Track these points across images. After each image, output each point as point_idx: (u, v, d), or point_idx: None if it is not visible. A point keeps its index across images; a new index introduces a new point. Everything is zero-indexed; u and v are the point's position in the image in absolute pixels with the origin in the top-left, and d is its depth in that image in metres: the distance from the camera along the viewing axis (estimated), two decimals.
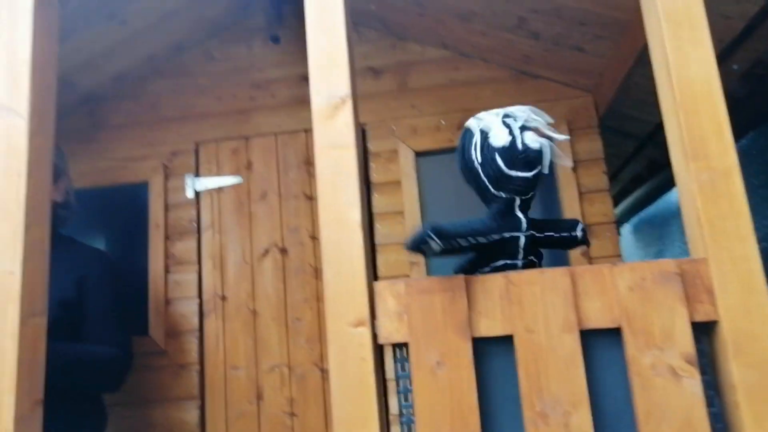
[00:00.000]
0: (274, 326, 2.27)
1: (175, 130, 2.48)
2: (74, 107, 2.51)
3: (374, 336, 1.17)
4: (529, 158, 1.25)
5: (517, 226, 1.25)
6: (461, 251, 1.26)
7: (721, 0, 1.65)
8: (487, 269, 1.27)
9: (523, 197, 1.26)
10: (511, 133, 1.27)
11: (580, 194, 2.24)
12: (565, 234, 1.32)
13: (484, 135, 1.28)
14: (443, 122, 2.37)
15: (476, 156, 1.28)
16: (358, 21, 2.50)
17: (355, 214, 1.21)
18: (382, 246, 2.29)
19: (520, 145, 1.24)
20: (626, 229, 4.56)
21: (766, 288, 1.11)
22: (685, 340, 1.11)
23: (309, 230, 2.32)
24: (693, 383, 1.09)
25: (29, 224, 1.30)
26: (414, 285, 1.18)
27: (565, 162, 1.35)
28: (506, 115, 1.29)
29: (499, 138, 1.26)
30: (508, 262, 1.26)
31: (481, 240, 1.22)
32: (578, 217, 2.21)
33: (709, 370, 1.14)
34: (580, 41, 2.03)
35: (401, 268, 2.24)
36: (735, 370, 1.08)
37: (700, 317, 1.13)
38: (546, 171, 1.28)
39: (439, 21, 2.26)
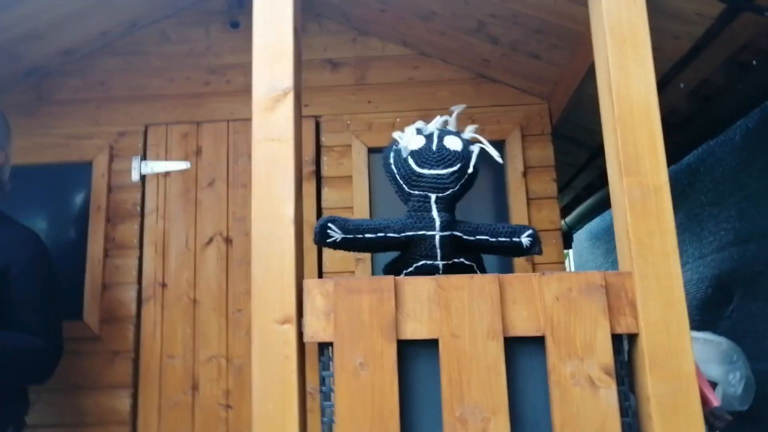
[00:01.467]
0: (214, 316, 2.23)
1: (124, 111, 2.41)
2: (18, 80, 2.41)
3: (300, 334, 1.16)
4: (443, 157, 1.28)
5: (431, 225, 1.25)
6: (372, 245, 1.27)
7: (671, 20, 1.68)
8: (410, 269, 1.27)
9: (440, 194, 1.27)
10: (427, 138, 1.31)
11: (529, 200, 2.26)
12: (504, 240, 1.31)
13: (401, 144, 1.32)
14: (398, 120, 2.36)
15: (392, 161, 1.32)
16: (320, 13, 2.47)
17: (289, 210, 1.19)
18: None
19: (434, 147, 1.28)
20: (583, 235, 4.65)
21: (685, 304, 1.14)
22: (605, 352, 1.13)
23: None
24: (609, 393, 1.11)
25: None
26: (343, 284, 1.17)
27: (496, 158, 1.36)
28: (426, 127, 1.34)
29: (413, 142, 1.30)
30: (428, 262, 1.26)
31: (393, 236, 1.24)
32: (525, 222, 2.23)
33: (627, 381, 1.17)
34: (536, 49, 2.05)
35: (347, 265, 2.23)
36: (650, 383, 1.11)
37: (621, 329, 1.15)
38: (470, 170, 1.29)
39: (400, 18, 2.25)
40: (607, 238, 3.92)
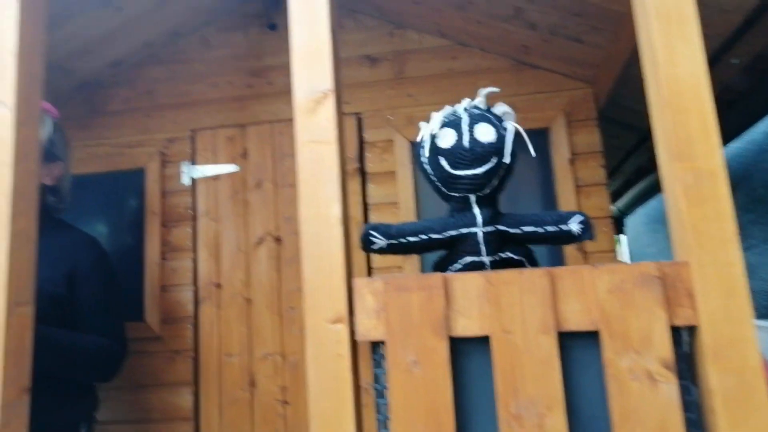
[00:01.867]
0: (267, 314, 2.29)
1: (171, 117, 2.48)
2: (71, 93, 2.51)
3: (352, 333, 1.17)
4: (476, 155, 1.23)
5: (472, 222, 1.24)
6: (417, 248, 1.27)
7: None
8: (457, 266, 1.27)
9: (478, 194, 1.24)
10: (458, 131, 1.25)
11: (577, 188, 2.21)
12: (551, 228, 1.27)
13: (432, 138, 1.28)
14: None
15: (426, 160, 1.29)
16: (355, 8, 2.47)
17: (336, 210, 1.21)
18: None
19: (466, 143, 1.23)
20: (639, 219, 4.50)
21: (747, 292, 1.10)
22: (663, 345, 1.10)
23: None
24: (669, 388, 1.09)
25: (15, 214, 1.31)
26: (392, 283, 1.18)
27: (530, 150, 1.31)
28: (454, 113, 1.28)
29: (445, 140, 1.26)
30: (474, 259, 1.25)
31: (435, 237, 1.23)
32: (574, 209, 2.18)
33: (688, 374, 1.14)
34: (577, 32, 2.00)
35: (394, 260, 2.24)
36: (713, 376, 1.07)
37: (680, 321, 1.12)
38: (506, 159, 1.24)
39: (435, 9, 2.23)
40: (665, 221, 3.79)
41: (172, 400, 2.26)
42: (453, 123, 1.27)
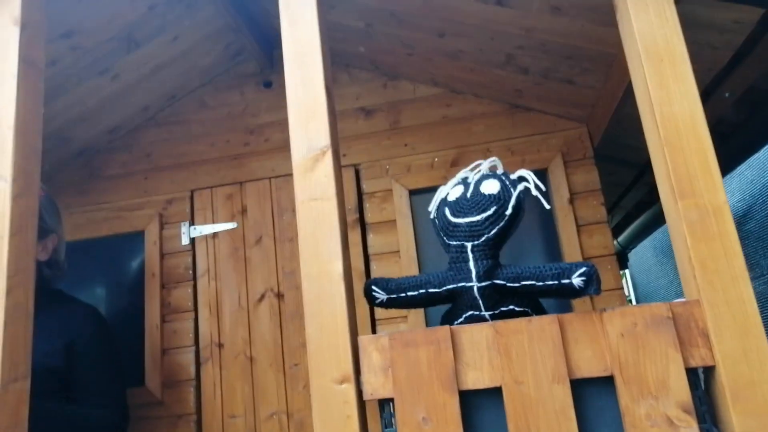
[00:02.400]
0: (271, 372, 2.24)
1: (170, 178, 2.49)
2: (69, 160, 2.53)
3: (359, 392, 1.14)
4: (476, 203, 1.25)
5: (467, 276, 1.22)
6: (417, 302, 1.27)
7: (707, 30, 1.63)
8: (460, 320, 1.25)
9: (475, 242, 1.23)
10: (466, 186, 1.31)
11: (578, 227, 2.20)
12: (551, 283, 1.21)
13: (442, 196, 1.34)
14: (436, 159, 2.36)
15: (434, 217, 1.33)
16: (349, 62, 2.51)
17: (337, 266, 1.19)
18: None
19: (468, 194, 1.28)
20: (648, 252, 4.44)
21: (763, 330, 1.07)
22: (681, 388, 1.07)
23: None
24: None
25: (11, 287, 1.29)
26: (398, 338, 1.15)
27: (544, 203, 1.32)
28: (468, 175, 1.36)
29: (453, 194, 1.31)
30: (474, 313, 1.23)
31: (434, 291, 1.22)
32: (577, 250, 2.16)
33: (709, 417, 1.09)
34: (569, 74, 2.02)
35: (398, 311, 2.20)
36: (734, 419, 1.03)
37: (696, 362, 1.08)
38: (508, 211, 1.25)
39: (428, 59, 2.27)
40: (670, 253, 3.75)
41: None
42: (464, 181, 1.34)
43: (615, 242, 3.72)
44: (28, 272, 1.35)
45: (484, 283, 1.21)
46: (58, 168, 2.51)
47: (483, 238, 1.22)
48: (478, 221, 1.23)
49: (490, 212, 1.24)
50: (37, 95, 1.48)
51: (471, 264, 1.21)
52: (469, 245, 1.22)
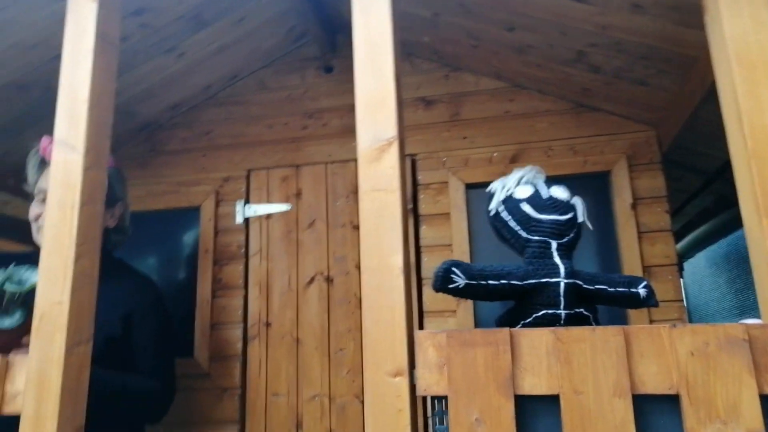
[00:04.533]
0: (316, 355, 2.26)
1: (228, 157, 2.53)
2: (133, 134, 2.60)
3: (412, 387, 1.13)
4: (556, 204, 1.26)
5: (555, 272, 1.20)
6: (494, 292, 1.22)
7: None
8: (529, 320, 1.22)
9: (559, 241, 1.22)
10: (535, 187, 1.30)
11: (640, 234, 2.12)
12: (623, 290, 1.25)
13: (508, 193, 1.31)
14: (495, 154, 2.31)
15: (502, 209, 1.29)
16: (411, 52, 2.48)
17: (398, 261, 1.18)
18: (428, 280, 2.24)
19: (545, 195, 1.28)
20: (703, 263, 4.28)
21: None
22: (753, 415, 1.01)
23: (355, 260, 2.30)
24: None
25: (79, 256, 1.33)
26: (456, 336, 1.13)
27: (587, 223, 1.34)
28: (526, 176, 1.35)
29: (522, 191, 1.29)
30: (549, 311, 1.20)
31: (515, 283, 1.19)
32: (637, 258, 2.09)
33: None
34: (642, 75, 1.94)
35: (448, 303, 2.18)
36: None
37: None
38: (581, 219, 1.28)
39: (493, 53, 2.21)
40: (727, 266, 3.61)
41: None
42: (529, 182, 1.33)
43: None
44: (95, 241, 1.39)
45: (569, 281, 1.19)
46: (121, 141, 2.58)
47: (566, 239, 1.22)
48: (561, 221, 1.24)
49: (570, 215, 1.26)
50: (111, 71, 1.51)
51: (557, 260, 1.19)
52: (554, 243, 1.21)
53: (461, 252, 2.20)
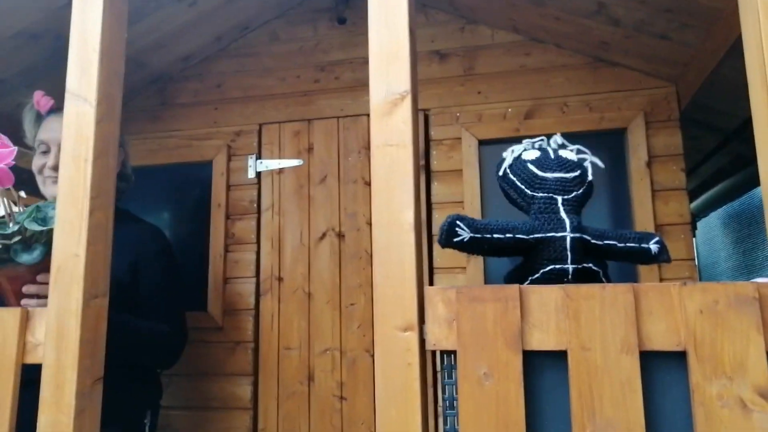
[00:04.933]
0: (328, 310, 2.29)
1: (239, 111, 2.51)
2: (144, 86, 2.58)
3: (422, 341, 1.14)
4: (563, 163, 1.26)
5: (561, 226, 1.20)
6: (499, 246, 1.23)
7: None
8: (537, 275, 1.22)
9: (565, 197, 1.23)
10: (544, 151, 1.31)
11: (654, 192, 2.10)
12: (633, 245, 1.25)
13: (517, 155, 1.32)
14: (510, 110, 2.28)
15: (509, 171, 1.30)
16: (426, 3, 2.42)
17: (409, 216, 1.18)
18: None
19: (552, 156, 1.28)
20: (714, 222, 4.25)
21: None
22: (759, 371, 1.02)
23: (366, 216, 2.31)
24: (764, 418, 1.01)
25: (94, 208, 1.34)
26: (466, 292, 1.14)
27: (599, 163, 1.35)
28: (537, 142, 1.36)
29: (530, 153, 1.30)
30: (557, 266, 1.20)
31: (521, 237, 1.19)
32: (650, 216, 2.08)
33: None
34: (665, 29, 1.88)
35: (458, 260, 2.19)
36: None
37: None
38: (589, 178, 1.28)
39: (511, 4, 2.15)
40: (737, 226, 3.58)
41: (232, 389, 2.30)
42: (538, 147, 1.33)
43: None
44: (109, 194, 1.40)
45: (576, 235, 1.19)
46: (132, 93, 2.57)
47: (572, 195, 1.22)
48: (567, 178, 1.24)
49: (576, 173, 1.26)
50: (122, 19, 1.49)
51: (563, 215, 1.19)
52: (559, 198, 1.21)
53: (473, 209, 2.20)
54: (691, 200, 3.72)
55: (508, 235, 1.20)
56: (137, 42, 2.26)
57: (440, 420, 1.97)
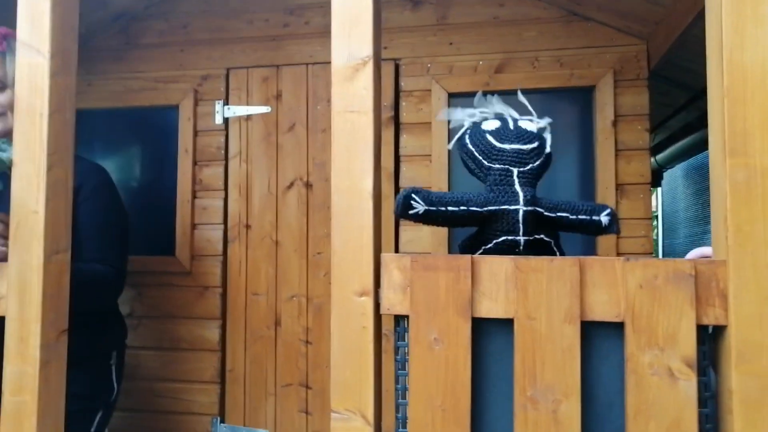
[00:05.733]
0: (295, 258, 2.33)
1: (206, 54, 2.44)
2: (106, 25, 2.47)
3: (377, 306, 1.19)
4: (521, 134, 1.27)
5: (514, 199, 1.23)
6: (454, 219, 1.26)
7: None
8: (489, 246, 1.26)
9: (521, 169, 1.24)
10: (503, 121, 1.31)
11: (617, 151, 2.14)
12: (583, 217, 1.29)
13: (476, 124, 1.33)
14: (481, 62, 2.25)
15: (468, 140, 1.31)
16: None
17: (368, 184, 1.19)
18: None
19: (512, 127, 1.28)
20: (678, 172, 4.36)
21: None
22: (688, 343, 1.09)
23: None
24: (688, 386, 1.09)
25: (51, 165, 1.33)
26: (420, 261, 1.18)
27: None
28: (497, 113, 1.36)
29: (490, 124, 1.30)
30: (509, 238, 1.24)
31: (475, 209, 1.22)
32: (612, 175, 2.12)
33: (709, 372, 1.13)
34: None
35: (423, 243, 2.22)
36: (735, 377, 1.07)
37: (708, 321, 1.10)
38: (547, 150, 1.28)
39: None
40: (698, 178, 3.68)
41: (201, 332, 2.36)
42: (498, 116, 1.33)
43: (653, 160, 3.62)
44: (67, 149, 1.38)
45: (528, 208, 1.22)
46: (94, 32, 2.46)
47: (528, 167, 1.24)
48: (524, 150, 1.25)
49: (535, 144, 1.27)
50: None
51: (518, 188, 1.22)
52: (515, 170, 1.23)
53: (440, 164, 2.22)
54: (658, 152, 3.79)
55: (462, 208, 1.23)
56: None
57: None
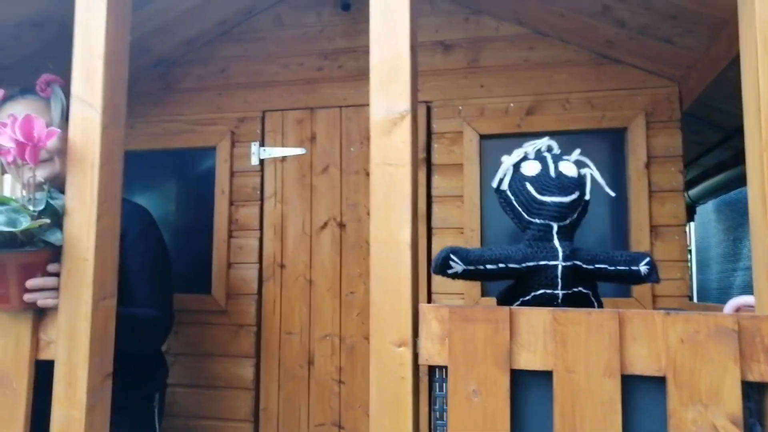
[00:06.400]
0: (328, 297, 2.36)
1: (243, 97, 2.52)
2: (147, 70, 2.58)
3: (415, 356, 1.20)
4: (563, 184, 1.25)
5: (553, 255, 1.23)
6: (492, 276, 1.27)
7: None
8: (527, 298, 1.27)
9: (560, 224, 1.24)
10: (543, 163, 1.29)
11: (651, 193, 2.13)
12: (622, 268, 1.29)
13: (516, 166, 1.31)
14: (512, 105, 2.28)
15: (507, 185, 1.31)
16: None
17: (405, 235, 1.22)
18: (438, 230, 2.29)
19: (553, 173, 1.26)
20: (707, 207, 4.30)
21: None
22: (733, 400, 1.08)
23: (367, 207, 2.34)
24: None
25: (101, 214, 1.38)
26: (458, 312, 1.19)
27: (608, 191, 1.33)
28: (537, 150, 1.33)
29: (530, 168, 1.29)
30: (548, 291, 1.25)
31: (514, 266, 1.23)
32: (646, 217, 2.11)
33: (756, 429, 1.11)
34: (669, 34, 1.87)
35: (456, 287, 2.21)
36: None
37: (753, 377, 1.09)
38: (587, 197, 1.28)
39: None
40: (730, 213, 3.61)
41: (235, 370, 2.39)
42: (537, 157, 1.32)
43: (686, 195, 3.58)
44: (115, 199, 1.44)
45: (567, 263, 1.23)
46: (135, 78, 2.57)
47: (568, 221, 1.24)
48: (565, 203, 1.24)
49: (575, 196, 1.26)
50: (126, 23, 1.49)
51: (556, 243, 1.23)
52: (555, 225, 1.24)
53: (472, 204, 2.23)
54: (690, 187, 3.75)
55: (500, 266, 1.24)
56: (139, 28, 2.25)
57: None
